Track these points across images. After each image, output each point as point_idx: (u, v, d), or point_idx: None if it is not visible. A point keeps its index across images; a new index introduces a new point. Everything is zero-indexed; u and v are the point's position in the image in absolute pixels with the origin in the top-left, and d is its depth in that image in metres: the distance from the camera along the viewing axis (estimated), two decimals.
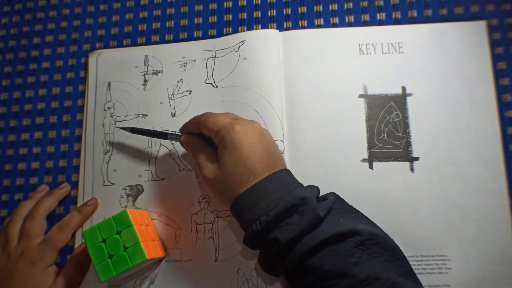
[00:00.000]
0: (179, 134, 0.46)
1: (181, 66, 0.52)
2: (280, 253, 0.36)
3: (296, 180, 0.39)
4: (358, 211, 0.39)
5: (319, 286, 0.35)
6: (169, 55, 0.53)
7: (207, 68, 0.51)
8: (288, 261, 0.36)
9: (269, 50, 0.50)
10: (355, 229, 0.35)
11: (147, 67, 0.53)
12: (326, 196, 0.39)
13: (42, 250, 0.45)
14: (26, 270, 0.44)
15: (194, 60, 0.52)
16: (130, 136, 0.50)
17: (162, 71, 0.52)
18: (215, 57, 0.52)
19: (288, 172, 0.40)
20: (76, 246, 0.48)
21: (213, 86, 0.51)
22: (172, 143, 0.50)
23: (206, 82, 0.51)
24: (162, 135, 0.47)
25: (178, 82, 0.52)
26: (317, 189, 0.39)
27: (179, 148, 0.49)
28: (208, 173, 0.40)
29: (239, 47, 0.51)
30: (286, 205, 0.36)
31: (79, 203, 0.49)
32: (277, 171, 0.38)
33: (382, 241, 0.36)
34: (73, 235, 0.48)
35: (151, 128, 0.50)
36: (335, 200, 0.38)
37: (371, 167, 0.47)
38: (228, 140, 0.39)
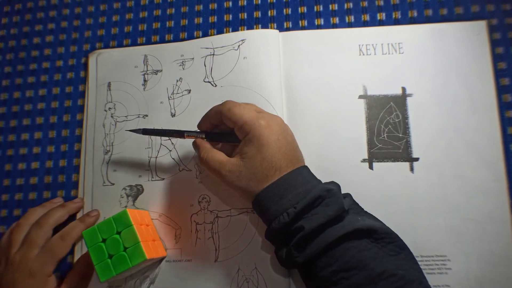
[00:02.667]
0: (195, 131, 0.45)
1: (180, 65, 0.52)
2: (302, 241, 0.36)
3: (316, 177, 0.40)
4: (370, 213, 0.40)
5: (338, 277, 0.35)
6: (168, 53, 0.53)
7: (205, 66, 0.51)
8: (310, 250, 0.36)
9: (269, 50, 0.50)
10: (373, 227, 0.37)
11: (147, 66, 0.53)
12: (344, 195, 0.40)
13: (41, 260, 0.44)
14: (26, 282, 0.43)
15: (193, 58, 0.52)
16: (130, 137, 0.50)
17: (161, 70, 0.52)
18: (213, 54, 0.51)
19: (308, 168, 0.41)
20: (75, 256, 0.47)
21: (212, 84, 0.51)
22: (172, 143, 0.50)
23: (205, 80, 0.51)
24: (178, 133, 0.45)
25: (177, 81, 0.51)
26: (338, 185, 0.40)
27: (179, 148, 0.49)
28: (228, 172, 0.39)
29: (238, 46, 0.51)
30: (313, 197, 0.36)
31: None
32: (300, 166, 0.39)
33: (398, 240, 0.37)
34: (73, 246, 0.47)
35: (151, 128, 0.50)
36: (353, 201, 0.40)
37: (371, 167, 0.47)
38: (254, 136, 0.39)
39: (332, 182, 0.40)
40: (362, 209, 0.40)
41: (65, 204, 0.48)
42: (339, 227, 0.36)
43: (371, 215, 0.40)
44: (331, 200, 0.37)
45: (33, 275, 0.43)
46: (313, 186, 0.38)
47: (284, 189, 0.38)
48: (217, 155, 0.41)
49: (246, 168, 0.39)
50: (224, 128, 0.43)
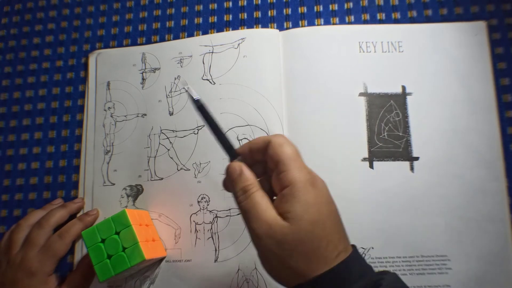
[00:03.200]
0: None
1: (178, 62, 0.52)
2: None
3: (364, 259, 0.33)
4: None
5: None
6: (166, 51, 0.53)
7: (204, 64, 0.51)
8: None
9: (269, 48, 0.50)
10: None
11: (145, 64, 0.53)
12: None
13: (41, 259, 0.43)
14: (26, 281, 0.43)
15: (191, 56, 0.52)
16: (130, 136, 0.50)
17: (159, 68, 0.52)
18: (212, 52, 0.51)
19: (357, 248, 0.32)
20: (76, 256, 0.47)
21: (210, 82, 0.51)
22: (170, 142, 0.49)
23: (203, 78, 0.51)
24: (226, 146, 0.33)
25: (175, 79, 0.51)
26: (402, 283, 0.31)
27: (177, 147, 0.49)
28: (266, 230, 0.29)
29: (238, 44, 0.51)
30: None
31: None
32: (353, 247, 0.31)
33: None
34: (73, 246, 0.47)
35: (151, 128, 0.50)
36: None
37: (371, 166, 0.46)
38: (303, 190, 0.30)
39: (389, 273, 0.30)
40: None
41: (65, 205, 0.48)
42: None
43: None
44: None
45: (33, 274, 0.43)
46: (375, 280, 0.29)
47: (342, 281, 0.29)
48: (263, 200, 0.30)
49: (294, 231, 0.29)
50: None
